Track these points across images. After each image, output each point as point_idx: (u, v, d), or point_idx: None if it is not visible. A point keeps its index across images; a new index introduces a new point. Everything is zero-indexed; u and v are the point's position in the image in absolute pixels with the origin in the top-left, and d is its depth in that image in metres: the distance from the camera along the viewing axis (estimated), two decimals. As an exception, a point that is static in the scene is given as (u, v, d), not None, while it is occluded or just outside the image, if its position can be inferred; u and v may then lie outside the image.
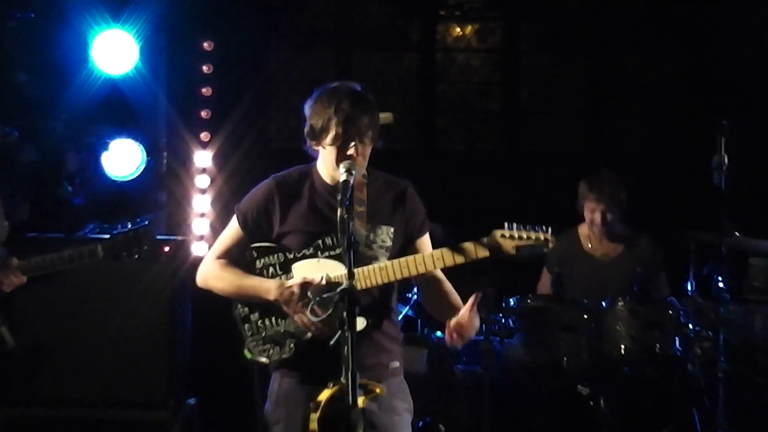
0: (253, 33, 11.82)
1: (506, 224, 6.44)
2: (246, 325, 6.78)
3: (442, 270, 6.69)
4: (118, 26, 9.58)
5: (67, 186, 9.58)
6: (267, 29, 12.14)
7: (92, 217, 9.16)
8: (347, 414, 5.94)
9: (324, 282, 6.50)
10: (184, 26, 9.97)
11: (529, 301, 9.55)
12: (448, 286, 6.75)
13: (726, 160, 9.16)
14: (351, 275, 5.98)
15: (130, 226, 8.04)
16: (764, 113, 11.07)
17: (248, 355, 6.78)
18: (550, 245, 6.47)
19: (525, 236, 6.45)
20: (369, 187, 6.71)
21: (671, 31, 12.75)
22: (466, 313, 6.49)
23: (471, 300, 6.46)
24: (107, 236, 8.05)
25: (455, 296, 6.71)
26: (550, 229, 6.46)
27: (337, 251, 6.51)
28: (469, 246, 6.48)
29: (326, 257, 6.64)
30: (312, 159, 6.79)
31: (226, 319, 6.89)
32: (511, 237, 6.45)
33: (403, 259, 6.58)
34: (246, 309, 6.81)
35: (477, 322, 6.53)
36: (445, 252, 6.48)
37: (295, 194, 6.75)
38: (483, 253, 6.44)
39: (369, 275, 6.53)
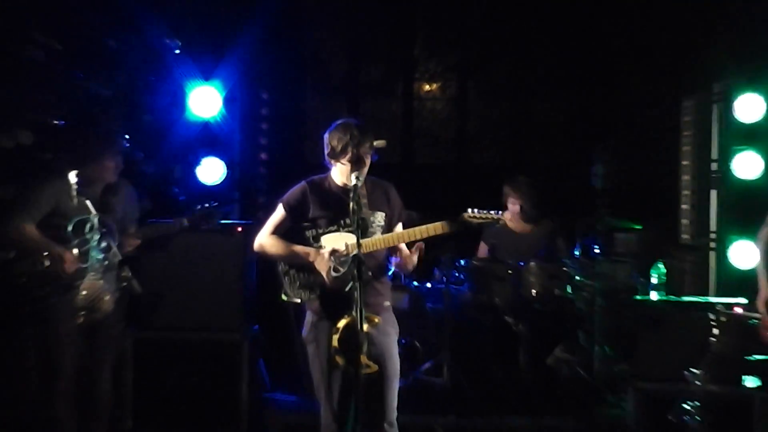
0: (293, 86, 11.86)
1: (469, 209, 6.70)
2: (286, 278, 6.95)
3: (425, 239, 6.78)
4: (207, 83, 9.64)
5: (174, 188, 9.69)
6: (302, 83, 12.17)
7: (190, 207, 9.28)
8: (356, 335, 6.23)
9: (343, 250, 6.66)
10: (249, 82, 9.98)
11: (473, 262, 9.73)
12: (405, 249, 6.91)
13: (601, 170, 9.28)
14: (359, 245, 6.38)
15: (205, 206, 8.23)
16: (627, 139, 11.10)
17: (284, 297, 7.00)
18: (500, 222, 6.80)
19: (483, 216, 6.68)
20: (369, 187, 6.86)
21: (569, 82, 12.68)
22: (407, 253, 6.82)
23: (414, 248, 6.78)
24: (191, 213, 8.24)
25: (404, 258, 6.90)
26: (500, 212, 6.77)
27: (351, 228, 6.61)
28: (449, 222, 6.70)
29: (345, 231, 6.78)
30: (326, 170, 6.98)
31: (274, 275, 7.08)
32: (474, 217, 6.67)
33: (404, 231, 6.87)
34: (286, 266, 6.94)
35: (414, 260, 6.87)
36: (437, 225, 6.72)
37: (320, 191, 6.94)
38: (457, 227, 6.70)
39: (374, 243, 6.74)
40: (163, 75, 9.70)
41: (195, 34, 9.82)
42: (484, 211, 6.77)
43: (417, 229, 6.77)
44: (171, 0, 9.83)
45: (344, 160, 6.76)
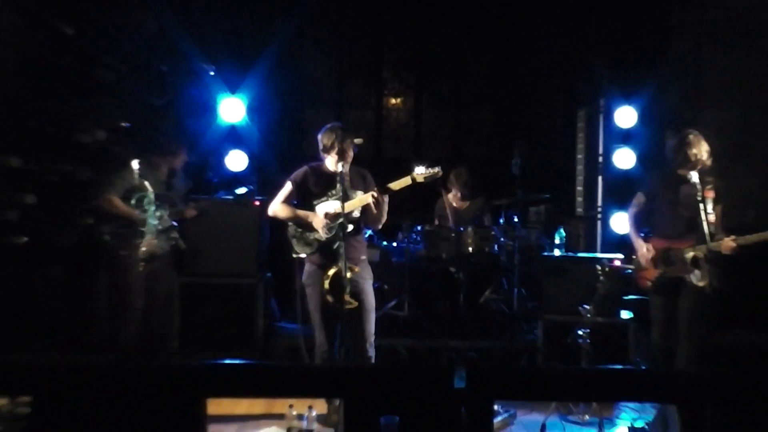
0: (295, 100, 11.85)
1: (418, 166, 6.78)
2: (293, 239, 7.08)
3: (389, 198, 6.90)
4: (234, 95, 9.59)
5: (209, 173, 9.66)
6: (302, 97, 12.13)
7: (221, 189, 9.23)
8: (342, 280, 6.27)
9: (333, 213, 6.76)
10: (265, 96, 9.98)
11: (427, 227, 9.66)
12: (372, 214, 6.90)
13: (519, 160, 9.28)
14: (344, 209, 6.71)
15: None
16: (537, 139, 11.11)
17: (294, 254, 7.10)
18: (440, 174, 6.83)
19: (429, 172, 6.72)
20: (351, 172, 6.95)
21: (494, 97, 12.74)
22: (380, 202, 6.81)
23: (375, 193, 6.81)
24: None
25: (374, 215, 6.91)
26: (440, 168, 6.82)
27: (337, 196, 6.76)
28: (402, 179, 6.75)
29: (332, 199, 6.91)
30: (319, 160, 7.07)
31: (283, 237, 7.10)
32: (422, 174, 6.71)
33: (370, 193, 6.83)
34: (294, 227, 7.05)
35: (384, 208, 6.93)
36: (392, 184, 6.79)
37: (317, 173, 7.06)
38: (408, 182, 6.74)
39: (353, 204, 6.84)
40: (201, 90, 9.67)
41: (226, 59, 9.80)
42: (428, 167, 6.80)
43: (392, 184, 6.85)
44: (209, 34, 9.79)
45: (333, 153, 6.84)
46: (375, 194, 6.76)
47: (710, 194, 6.96)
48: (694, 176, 6.97)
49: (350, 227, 6.85)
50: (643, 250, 7.41)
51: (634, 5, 10.59)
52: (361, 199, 6.86)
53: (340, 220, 6.69)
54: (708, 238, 6.85)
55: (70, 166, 9.22)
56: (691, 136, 7.20)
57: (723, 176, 9.24)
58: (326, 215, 6.87)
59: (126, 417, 5.38)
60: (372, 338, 7.01)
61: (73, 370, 4.94)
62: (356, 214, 6.96)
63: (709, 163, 7.17)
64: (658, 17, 10.52)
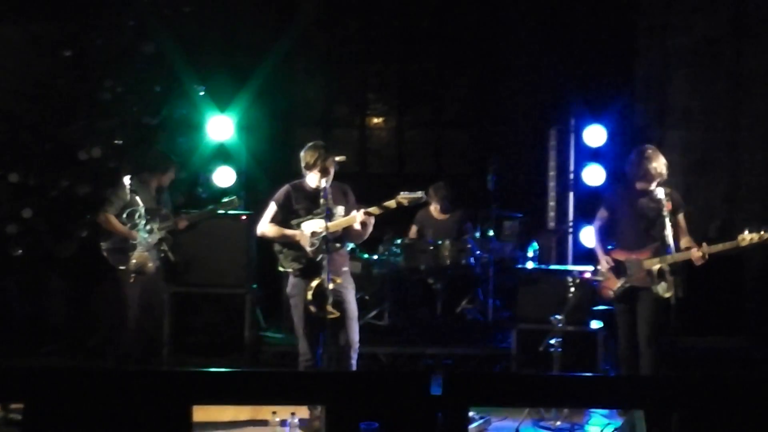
0: (285, 119, 11.76)
1: (402, 192, 6.75)
2: (280, 255, 6.98)
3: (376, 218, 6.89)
4: (224, 113, 9.47)
5: (198, 188, 9.55)
6: (291, 118, 12.07)
7: (210, 204, 9.13)
8: (324, 291, 6.17)
9: (318, 231, 6.65)
10: (254, 113, 9.89)
11: (406, 240, 9.57)
12: (356, 230, 6.85)
13: (494, 176, 9.23)
14: (327, 229, 6.53)
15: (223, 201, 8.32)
16: (511, 157, 11.04)
17: (281, 268, 7.00)
18: (423, 199, 6.91)
19: (411, 196, 6.71)
20: (333, 188, 6.80)
21: (471, 118, 12.72)
22: (365, 221, 6.75)
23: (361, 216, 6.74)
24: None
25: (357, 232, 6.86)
26: (423, 192, 6.82)
27: (321, 215, 6.61)
28: (387, 202, 6.74)
29: (317, 218, 6.77)
30: (301, 176, 6.96)
31: (269, 250, 6.97)
32: (405, 197, 6.70)
33: (353, 214, 6.78)
34: (280, 246, 6.92)
35: (369, 228, 6.90)
36: (374, 208, 6.77)
37: (299, 191, 6.95)
38: (393, 205, 6.74)
39: (338, 224, 6.76)
40: (191, 109, 9.56)
41: (217, 78, 9.70)
42: (412, 192, 6.78)
43: (377, 207, 6.82)
44: (201, 54, 9.69)
45: (315, 171, 6.74)
46: (363, 218, 6.73)
47: (668, 206, 6.92)
48: (660, 192, 6.93)
49: (335, 243, 6.78)
50: (604, 262, 7.37)
51: (602, 31, 10.66)
52: (347, 219, 6.79)
53: (324, 234, 6.60)
54: (668, 248, 6.80)
55: (68, 182, 9.15)
56: (649, 151, 7.17)
57: (687, 192, 9.23)
58: (312, 234, 6.74)
59: (114, 422, 5.25)
60: (356, 345, 6.90)
61: (63, 376, 4.83)
62: (339, 230, 6.86)
63: (666, 176, 7.12)
64: (624, 42, 10.57)
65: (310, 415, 6.91)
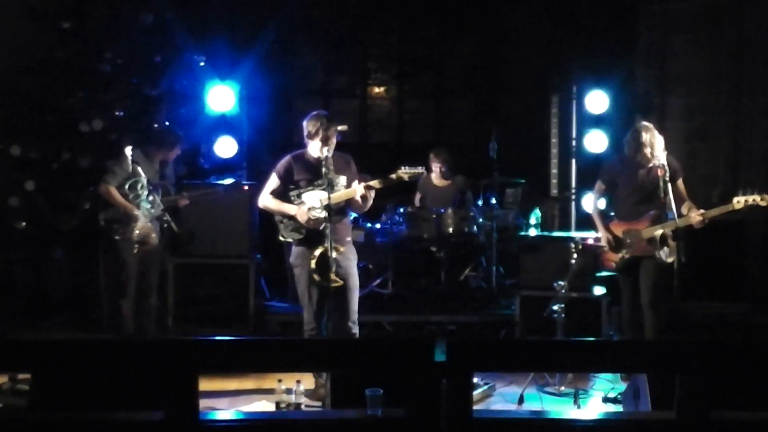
0: (286, 90, 11.73)
1: (403, 166, 6.83)
2: (281, 224, 6.99)
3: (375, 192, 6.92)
4: (224, 83, 9.46)
5: (201, 159, 9.56)
6: (292, 89, 12.06)
7: (212, 175, 9.15)
8: (327, 260, 6.19)
9: (318, 206, 6.73)
10: (255, 83, 9.78)
11: (409, 209, 9.55)
12: (356, 202, 6.89)
13: (495, 145, 9.25)
14: (329, 200, 6.60)
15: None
16: (514, 124, 11.02)
17: (281, 237, 7.02)
18: (424, 174, 7.24)
19: (412, 171, 6.80)
20: (335, 158, 6.78)
21: (472, 86, 12.70)
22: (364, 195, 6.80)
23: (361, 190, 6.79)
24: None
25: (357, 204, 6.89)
26: (423, 168, 6.95)
27: (323, 186, 6.62)
28: (387, 177, 6.83)
29: (318, 189, 6.77)
30: (303, 146, 6.93)
31: (272, 220, 7.03)
32: (406, 172, 6.77)
33: (354, 187, 6.83)
34: (281, 216, 6.91)
35: (369, 201, 6.92)
36: (375, 181, 6.81)
37: (300, 162, 6.92)
38: (393, 180, 6.85)
39: (338, 197, 6.73)
40: (192, 80, 9.53)
41: (218, 47, 9.68)
42: (412, 167, 6.88)
43: (378, 180, 6.88)
44: (202, 23, 9.68)
45: (317, 140, 6.73)
46: (363, 192, 6.76)
47: (660, 172, 6.95)
48: (662, 158, 6.94)
49: (337, 214, 6.82)
50: (605, 235, 7.42)
51: (604, -2, 10.62)
52: (347, 192, 6.80)
53: (326, 203, 6.61)
54: (675, 216, 6.82)
55: (69, 154, 9.15)
56: (644, 133, 7.16)
57: (689, 158, 9.24)
58: (310, 209, 6.76)
59: (120, 392, 5.29)
60: (355, 316, 6.95)
61: (69, 347, 4.85)
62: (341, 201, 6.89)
63: (662, 154, 7.11)
64: (626, 8, 10.55)
65: (316, 384, 6.95)
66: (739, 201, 6.80)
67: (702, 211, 6.93)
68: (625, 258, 7.29)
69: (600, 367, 5.91)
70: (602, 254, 7.48)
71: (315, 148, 6.80)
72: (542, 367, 6.03)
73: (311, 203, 6.80)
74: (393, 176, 6.84)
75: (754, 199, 6.74)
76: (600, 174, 7.63)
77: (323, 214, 6.65)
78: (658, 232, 7.04)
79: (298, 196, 6.87)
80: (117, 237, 7.64)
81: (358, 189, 6.77)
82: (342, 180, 6.89)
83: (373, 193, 6.86)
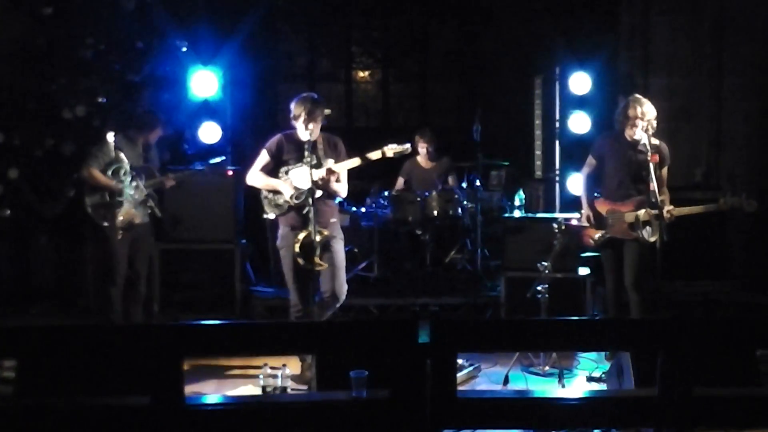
0: (270, 75, 11.76)
1: (388, 143, 6.98)
2: (264, 200, 7.08)
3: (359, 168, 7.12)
4: (207, 68, 9.43)
5: (185, 145, 9.54)
6: (276, 73, 12.08)
7: (196, 160, 9.14)
8: (312, 243, 6.25)
9: (301, 188, 6.83)
10: (238, 68, 9.76)
11: (394, 192, 9.56)
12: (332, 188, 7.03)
13: (479, 127, 9.28)
14: (313, 181, 6.72)
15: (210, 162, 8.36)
16: (497, 107, 11.05)
17: (264, 215, 7.14)
18: (409, 151, 7.17)
19: (399, 148, 6.97)
20: (323, 140, 6.90)
21: (456, 69, 12.74)
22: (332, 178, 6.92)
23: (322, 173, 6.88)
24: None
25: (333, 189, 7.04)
26: (409, 144, 7.08)
27: (311, 164, 6.72)
28: (372, 153, 6.95)
29: (305, 165, 6.82)
30: (292, 128, 6.96)
31: (259, 202, 7.07)
32: (391, 149, 6.96)
33: (344, 162, 7.00)
34: (267, 192, 7.01)
35: (339, 183, 7.06)
36: (362, 156, 6.98)
37: (290, 141, 7.04)
38: (378, 155, 6.99)
39: (321, 173, 6.89)
40: (175, 65, 9.51)
41: (200, 33, 9.64)
42: (398, 144, 7.03)
43: (351, 160, 7.02)
44: (184, 11, 9.63)
45: (301, 122, 6.77)
46: (323, 175, 6.87)
47: (655, 158, 6.97)
48: (644, 138, 6.96)
49: (318, 193, 6.82)
50: (585, 213, 7.50)
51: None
52: (327, 169, 6.90)
53: (309, 186, 6.66)
54: (655, 201, 6.86)
55: (52, 141, 9.13)
56: (635, 101, 7.20)
57: (672, 138, 9.28)
58: (296, 189, 6.86)
59: (106, 377, 5.31)
60: (343, 296, 7.07)
61: (55, 333, 4.86)
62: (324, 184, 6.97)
63: (654, 125, 7.15)
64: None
65: (302, 367, 6.98)
66: (726, 202, 6.99)
67: (670, 208, 7.01)
68: (605, 237, 7.36)
69: (583, 346, 5.95)
70: (582, 230, 7.55)
71: (301, 130, 6.86)
72: (526, 346, 6.07)
73: (297, 182, 6.90)
74: (378, 152, 6.97)
75: (740, 202, 6.91)
76: (591, 149, 7.67)
77: (308, 186, 6.74)
78: (633, 216, 7.10)
79: (286, 172, 6.99)
80: (105, 224, 7.64)
81: (320, 172, 6.87)
82: (330, 163, 6.98)
83: (343, 175, 7.05)
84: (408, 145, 7.08)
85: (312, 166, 6.74)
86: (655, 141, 7.12)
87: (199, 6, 9.92)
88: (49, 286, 9.54)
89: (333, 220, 7.09)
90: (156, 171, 8.01)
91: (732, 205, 6.91)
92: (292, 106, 6.94)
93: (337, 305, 7.04)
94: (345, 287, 7.06)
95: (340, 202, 8.62)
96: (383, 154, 6.98)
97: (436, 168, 10.02)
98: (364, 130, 12.66)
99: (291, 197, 6.88)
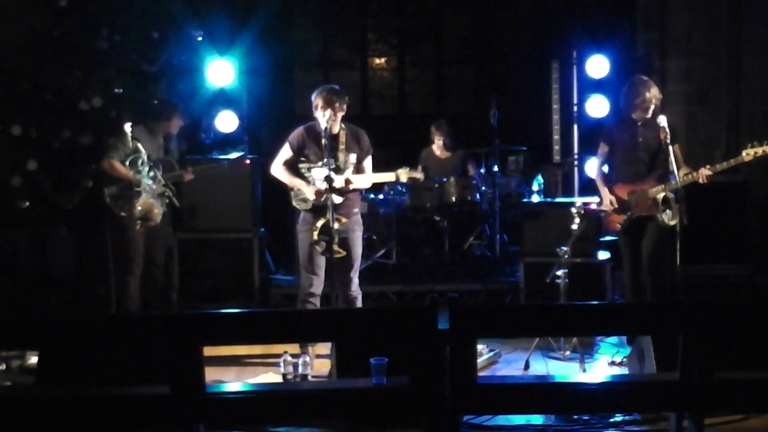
0: (286, 63, 11.74)
1: (404, 167, 7.15)
2: (291, 192, 7.06)
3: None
4: (223, 57, 9.43)
5: (202, 134, 9.55)
6: (292, 61, 12.05)
7: (214, 149, 9.15)
8: (329, 231, 6.30)
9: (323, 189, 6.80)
10: (254, 57, 9.74)
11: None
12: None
13: (496, 112, 9.26)
14: (330, 179, 6.70)
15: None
16: (515, 91, 11.02)
17: (293, 203, 7.07)
18: (421, 180, 7.50)
19: (413, 175, 7.21)
20: (345, 133, 6.96)
21: (473, 55, 12.70)
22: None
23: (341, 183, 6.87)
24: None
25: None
26: (423, 174, 7.39)
27: (329, 167, 6.75)
28: (386, 174, 7.09)
29: (326, 168, 6.78)
30: (311, 119, 6.96)
31: (277, 191, 7.05)
32: (405, 173, 7.10)
33: (358, 176, 7.06)
34: (294, 189, 7.00)
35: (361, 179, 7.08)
36: (385, 175, 7.10)
37: (312, 134, 6.99)
38: (392, 178, 7.15)
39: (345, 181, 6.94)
40: (191, 55, 9.51)
41: (215, 22, 9.64)
42: (413, 170, 7.17)
43: (367, 176, 7.12)
44: (199, 1, 9.63)
45: (321, 113, 6.78)
46: (342, 185, 6.88)
47: (662, 135, 6.94)
48: (661, 120, 6.94)
49: (338, 200, 6.86)
50: (608, 198, 7.47)
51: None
52: (353, 178, 6.96)
53: (330, 179, 6.70)
54: (677, 176, 6.83)
55: (70, 132, 9.15)
56: (639, 84, 7.22)
57: (690, 120, 9.23)
58: (317, 192, 6.85)
59: (127, 366, 5.34)
60: (355, 287, 7.08)
61: (77, 323, 4.89)
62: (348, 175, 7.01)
63: (659, 104, 7.16)
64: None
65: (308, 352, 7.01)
66: (748, 153, 6.82)
67: (709, 166, 6.96)
68: (631, 218, 7.34)
69: (604, 330, 5.95)
70: (606, 217, 7.52)
71: (321, 122, 6.86)
72: (547, 331, 6.08)
73: (320, 179, 6.90)
74: (392, 174, 7.06)
75: (764, 150, 6.75)
76: (601, 136, 7.65)
77: (327, 190, 6.73)
78: (661, 194, 7.07)
79: (308, 170, 6.99)
80: (123, 214, 7.67)
81: (341, 179, 6.87)
82: (351, 158, 7.02)
83: (368, 170, 7.13)
84: (421, 174, 7.25)
85: (332, 169, 6.74)
86: (665, 118, 7.07)
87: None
88: (68, 276, 9.57)
89: (355, 209, 7.13)
90: (175, 163, 8.02)
91: (755, 154, 6.81)
92: (313, 97, 6.94)
93: (354, 296, 7.07)
94: (357, 280, 7.09)
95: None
96: (397, 177, 7.04)
97: (451, 159, 10.03)
98: (380, 117, 12.65)
99: (315, 199, 6.88)
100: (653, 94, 7.16)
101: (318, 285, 7.00)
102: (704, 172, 6.90)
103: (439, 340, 4.53)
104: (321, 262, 6.91)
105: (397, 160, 8.64)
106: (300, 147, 6.99)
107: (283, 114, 10.28)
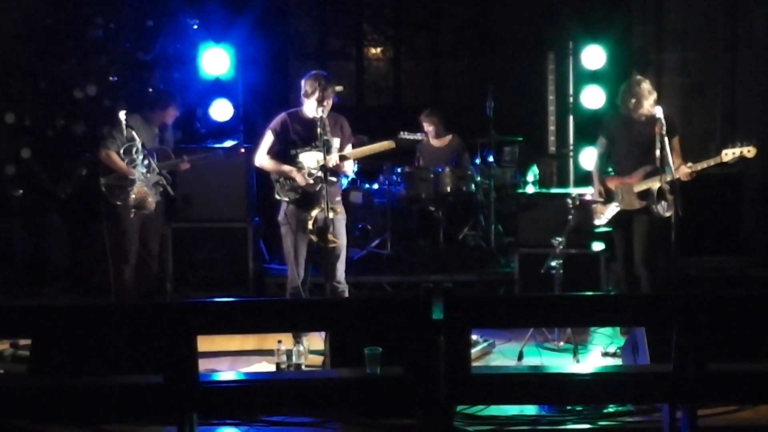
0: (281, 53, 11.71)
1: (401, 132, 6.96)
2: (277, 184, 7.04)
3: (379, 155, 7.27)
4: (218, 46, 9.41)
5: (197, 123, 9.54)
6: (287, 51, 12.02)
7: (208, 138, 9.13)
8: (325, 221, 6.27)
9: (314, 167, 6.81)
10: (250, 46, 9.73)
11: (406, 168, 9.51)
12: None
13: (492, 103, 9.24)
14: (325, 160, 6.68)
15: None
16: (510, 82, 10.98)
17: (277, 196, 7.08)
18: (422, 140, 7.32)
19: (411, 137, 6.95)
20: (330, 118, 6.80)
21: (468, 45, 12.63)
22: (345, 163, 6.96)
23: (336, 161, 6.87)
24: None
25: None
26: (421, 134, 7.14)
27: (319, 147, 6.68)
28: (387, 142, 6.93)
29: (315, 150, 6.82)
30: (299, 105, 6.96)
31: (269, 183, 7.03)
32: (403, 138, 6.93)
33: (357, 150, 7.07)
34: (278, 176, 6.95)
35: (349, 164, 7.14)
36: (383, 143, 6.96)
37: (296, 120, 6.99)
38: (392, 145, 6.98)
39: (359, 153, 7.08)
40: (185, 43, 9.50)
41: (211, 10, 9.61)
42: (411, 133, 6.99)
43: (366, 148, 7.05)
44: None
45: (313, 99, 6.76)
46: (338, 162, 6.88)
47: (657, 129, 6.95)
48: (657, 111, 6.94)
49: (333, 179, 6.88)
50: (596, 192, 7.55)
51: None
52: (347, 153, 6.96)
53: (322, 164, 6.66)
54: (663, 169, 6.86)
55: (64, 121, 9.15)
56: (636, 85, 7.27)
57: (685, 113, 9.23)
58: (308, 173, 6.83)
59: (120, 356, 5.33)
60: (343, 276, 7.06)
61: (69, 312, 4.88)
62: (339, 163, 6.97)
63: (655, 101, 7.18)
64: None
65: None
66: (727, 153, 6.91)
67: (689, 164, 7.01)
68: (615, 211, 7.40)
69: (597, 321, 5.95)
70: (593, 207, 7.56)
71: (311, 108, 6.87)
72: (541, 322, 6.09)
73: (309, 164, 6.86)
74: (391, 141, 6.97)
75: (741, 151, 6.84)
76: (601, 130, 7.68)
77: (321, 174, 6.72)
78: (651, 185, 7.10)
79: (296, 156, 6.94)
80: (118, 203, 7.65)
81: (334, 158, 6.84)
82: (335, 142, 6.95)
83: (355, 152, 7.07)
84: (420, 135, 7.16)
85: (324, 151, 6.70)
86: (658, 111, 7.07)
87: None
88: (62, 265, 9.56)
89: (338, 198, 7.09)
90: (171, 153, 8.00)
91: (734, 155, 6.88)
92: (304, 82, 6.90)
93: (341, 288, 7.04)
94: (343, 268, 7.06)
95: (353, 180, 8.66)
96: (397, 143, 7.00)
97: (446, 147, 9.97)
98: (375, 108, 12.60)
99: (306, 184, 6.85)
100: (650, 94, 7.21)
101: (302, 276, 7.01)
102: (684, 170, 6.95)
103: (433, 330, 4.53)
104: (305, 253, 6.95)
105: (393, 150, 8.64)
106: (282, 132, 6.96)
107: (278, 103, 10.24)
